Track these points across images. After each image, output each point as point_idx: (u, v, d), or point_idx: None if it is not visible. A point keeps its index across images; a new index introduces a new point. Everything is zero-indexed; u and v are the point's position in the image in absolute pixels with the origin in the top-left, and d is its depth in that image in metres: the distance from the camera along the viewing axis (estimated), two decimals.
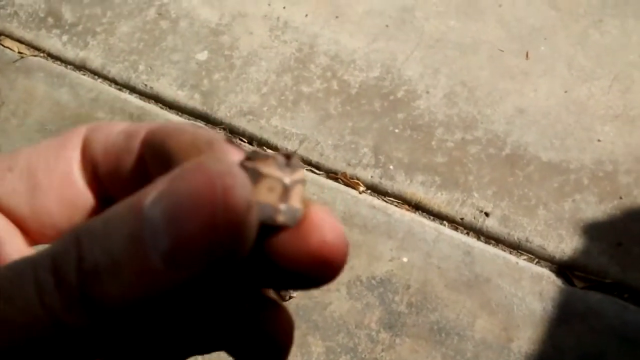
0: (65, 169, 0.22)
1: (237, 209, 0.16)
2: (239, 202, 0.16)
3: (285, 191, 0.18)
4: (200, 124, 1.45)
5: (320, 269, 0.19)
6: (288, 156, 0.19)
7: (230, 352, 0.21)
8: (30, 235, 0.22)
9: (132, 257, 0.16)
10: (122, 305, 0.16)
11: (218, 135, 0.20)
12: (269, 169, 0.18)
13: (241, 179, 0.16)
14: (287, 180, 0.18)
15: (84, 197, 0.22)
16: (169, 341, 0.21)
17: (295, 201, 0.18)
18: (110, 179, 0.22)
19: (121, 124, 0.23)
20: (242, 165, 0.18)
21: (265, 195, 0.18)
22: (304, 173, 0.19)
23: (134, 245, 0.16)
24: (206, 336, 0.21)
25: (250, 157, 0.19)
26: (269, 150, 1.40)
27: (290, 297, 1.21)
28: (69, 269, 0.16)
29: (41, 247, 0.22)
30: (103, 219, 0.17)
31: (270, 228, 0.18)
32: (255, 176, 0.18)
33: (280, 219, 0.18)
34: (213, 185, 0.16)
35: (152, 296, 0.16)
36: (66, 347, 0.17)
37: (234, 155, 0.19)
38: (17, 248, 0.22)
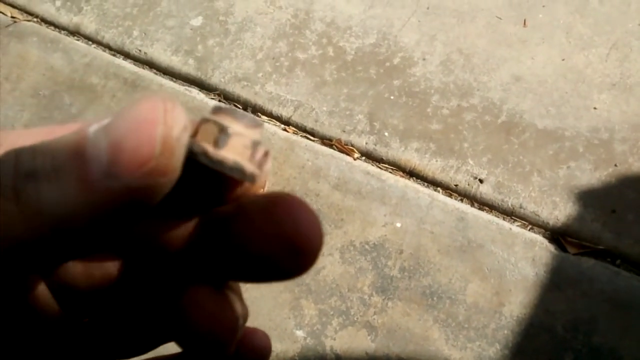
0: None
1: (175, 126, 0.17)
2: (177, 122, 0.17)
3: (222, 136, 0.18)
4: (195, 89, 1.44)
5: (292, 259, 0.18)
6: (243, 115, 0.19)
7: (179, 344, 0.21)
8: None
9: (72, 166, 0.16)
10: (61, 211, 0.16)
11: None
12: (215, 116, 0.19)
13: (179, 107, 0.17)
14: (228, 129, 0.19)
15: None
16: (127, 324, 0.22)
17: (234, 152, 0.18)
18: None
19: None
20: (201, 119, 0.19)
21: (201, 137, 0.19)
22: (256, 131, 0.19)
23: (76, 158, 0.16)
24: (149, 328, 0.21)
25: (213, 107, 0.19)
26: (245, 112, 1.39)
27: None
28: (3, 172, 0.17)
29: None
30: (48, 141, 0.17)
31: (216, 173, 0.18)
32: (200, 121, 0.19)
33: (202, 160, 0.18)
34: (155, 108, 0.17)
35: (92, 207, 0.16)
36: (4, 253, 0.17)
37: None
38: None
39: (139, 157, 0.16)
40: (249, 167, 0.19)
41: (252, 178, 0.19)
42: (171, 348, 0.22)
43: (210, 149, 0.18)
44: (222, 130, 0.18)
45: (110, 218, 0.17)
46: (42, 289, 0.20)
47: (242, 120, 0.19)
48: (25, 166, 0.17)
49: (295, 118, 1.37)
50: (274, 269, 0.18)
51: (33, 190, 0.16)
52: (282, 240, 0.18)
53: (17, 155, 0.17)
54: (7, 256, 0.16)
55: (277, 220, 0.18)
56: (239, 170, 0.18)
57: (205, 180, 0.19)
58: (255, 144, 0.19)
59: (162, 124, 0.17)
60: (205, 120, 0.19)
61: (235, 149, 0.18)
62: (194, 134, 0.19)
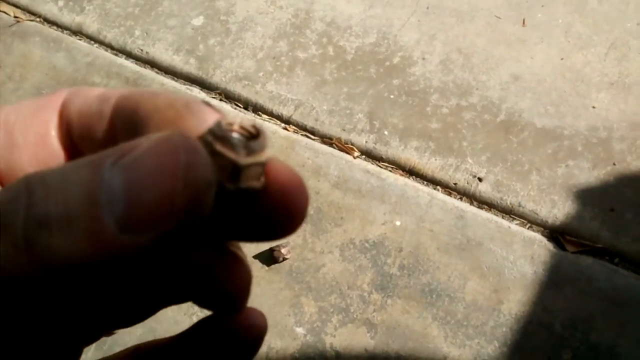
0: (41, 130, 0.22)
1: (196, 186, 0.16)
2: (200, 181, 0.16)
3: (236, 171, 0.18)
4: (196, 89, 1.45)
5: (283, 219, 0.20)
6: (254, 135, 0.19)
7: (194, 302, 0.22)
8: None
9: (85, 215, 0.16)
10: (71, 262, 0.16)
11: (194, 97, 0.20)
12: (224, 148, 0.18)
13: (204, 159, 0.17)
14: (241, 161, 0.18)
15: (58, 159, 0.22)
16: (128, 296, 0.22)
17: (248, 179, 0.19)
18: (84, 143, 0.22)
19: (100, 89, 0.22)
20: (203, 139, 0.18)
21: (216, 171, 0.18)
22: (265, 154, 0.19)
23: (89, 204, 0.16)
24: (165, 288, 0.21)
25: (214, 130, 0.19)
26: (250, 116, 1.40)
27: (284, 259, 1.22)
28: (16, 214, 0.16)
29: None
30: (60, 172, 0.16)
31: (234, 200, 0.19)
32: (211, 151, 0.18)
33: (230, 187, 0.18)
34: (177, 160, 0.16)
35: (103, 259, 0.16)
36: (11, 298, 0.16)
37: (210, 117, 0.19)
38: None
39: (156, 215, 0.16)
40: (260, 186, 0.19)
41: (261, 190, 0.20)
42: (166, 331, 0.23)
43: (228, 185, 0.18)
44: (233, 166, 0.18)
45: (124, 265, 0.16)
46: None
47: (251, 149, 0.19)
48: (38, 212, 0.16)
49: (296, 117, 1.38)
50: (265, 232, 0.20)
51: (44, 242, 0.16)
52: (284, 212, 0.19)
53: (29, 192, 0.16)
54: (12, 290, 0.16)
55: (283, 199, 0.19)
56: (254, 194, 0.19)
57: (219, 204, 0.19)
58: (263, 166, 0.19)
59: (183, 185, 0.16)
60: (213, 153, 0.18)
61: (248, 178, 0.19)
62: None
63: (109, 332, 0.24)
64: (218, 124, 0.18)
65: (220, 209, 0.19)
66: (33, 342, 0.19)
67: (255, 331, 0.22)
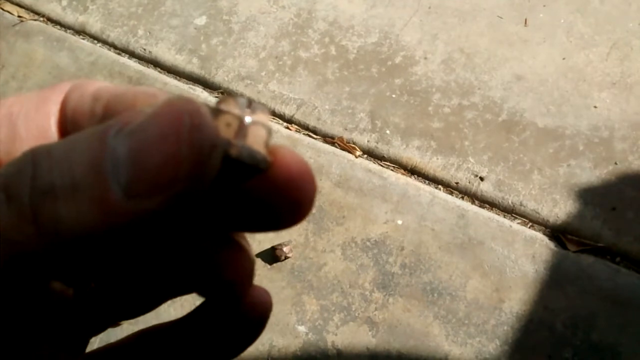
0: (42, 123, 0.22)
1: (201, 147, 0.16)
2: (204, 140, 0.16)
3: (242, 127, 0.18)
4: (199, 88, 1.46)
5: (290, 207, 0.19)
6: (250, 101, 0.19)
7: (198, 292, 0.22)
8: None
9: (91, 184, 0.16)
10: (78, 232, 0.16)
11: (191, 98, 0.20)
12: (228, 106, 0.19)
13: (208, 119, 0.17)
14: (246, 118, 0.19)
15: None
16: (135, 283, 0.22)
17: (254, 142, 0.19)
18: None
19: (99, 84, 0.22)
20: (207, 105, 0.18)
21: (222, 130, 0.18)
22: (267, 117, 0.19)
23: (94, 173, 0.16)
24: (171, 278, 0.21)
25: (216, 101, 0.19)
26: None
27: (286, 257, 1.22)
28: (21, 186, 0.16)
29: None
30: (65, 143, 0.16)
31: (240, 167, 0.19)
32: (215, 113, 0.18)
33: (234, 152, 0.18)
34: (180, 122, 0.16)
35: (110, 227, 0.16)
36: (19, 269, 0.16)
37: None
38: None
39: (162, 179, 0.16)
40: (269, 157, 0.19)
41: (268, 166, 0.19)
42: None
43: (236, 143, 0.18)
44: (239, 121, 0.19)
45: (133, 234, 0.16)
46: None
47: (255, 109, 0.19)
48: (43, 181, 0.16)
49: (298, 116, 1.39)
50: (272, 221, 0.20)
51: (51, 211, 0.16)
52: (290, 200, 0.19)
53: (35, 164, 0.16)
54: (21, 266, 0.16)
55: (272, 174, 0.19)
56: (259, 166, 0.19)
57: (225, 171, 0.19)
58: (269, 132, 0.19)
59: (187, 146, 0.16)
60: (217, 112, 0.19)
61: (255, 140, 0.19)
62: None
63: (115, 323, 0.24)
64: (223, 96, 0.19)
65: (225, 182, 0.19)
66: (40, 331, 0.20)
67: (261, 309, 0.22)
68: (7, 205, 0.16)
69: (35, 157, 0.16)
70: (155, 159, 0.16)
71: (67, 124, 0.22)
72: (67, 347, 0.21)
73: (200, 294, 0.22)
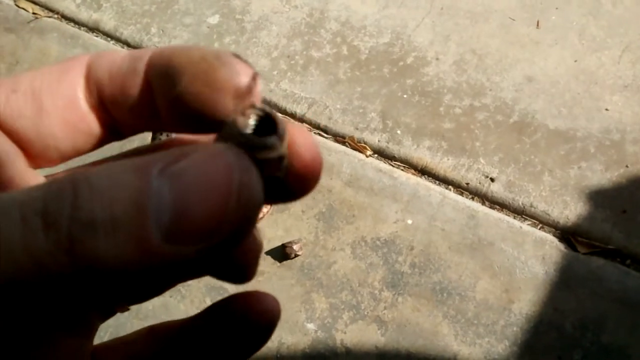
0: (69, 93, 0.21)
1: (248, 206, 0.16)
2: (253, 199, 0.16)
3: (278, 163, 0.19)
4: None
5: (300, 181, 0.20)
6: (262, 116, 0.19)
7: (209, 273, 0.22)
8: (33, 157, 0.22)
9: (131, 222, 0.15)
10: (112, 267, 0.16)
11: (225, 50, 0.20)
12: (265, 154, 0.18)
13: (257, 179, 0.17)
14: (284, 153, 0.19)
15: (88, 121, 0.22)
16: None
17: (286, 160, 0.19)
18: (116, 103, 0.22)
19: (124, 51, 0.22)
20: (232, 140, 0.18)
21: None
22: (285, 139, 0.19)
23: (136, 211, 0.15)
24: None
25: (236, 130, 0.18)
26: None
27: (296, 255, 1.23)
28: (61, 214, 0.16)
29: (43, 172, 0.22)
30: (107, 174, 0.16)
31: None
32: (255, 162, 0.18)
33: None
34: (230, 178, 0.16)
35: (144, 267, 0.16)
36: (48, 293, 0.16)
37: (240, 68, 0.19)
38: (20, 169, 0.21)
39: (204, 231, 0.16)
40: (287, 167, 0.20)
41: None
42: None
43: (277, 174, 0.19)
44: (280, 157, 0.19)
45: (165, 272, 0.16)
46: None
47: (281, 132, 0.19)
48: (84, 212, 0.15)
49: (309, 115, 1.39)
50: (283, 194, 0.20)
51: (89, 244, 0.15)
52: (302, 175, 0.20)
53: (75, 192, 0.16)
54: (49, 287, 0.16)
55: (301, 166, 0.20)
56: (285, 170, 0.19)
57: None
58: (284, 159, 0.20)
59: (235, 205, 0.16)
60: (253, 156, 0.18)
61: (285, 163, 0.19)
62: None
63: (123, 308, 0.25)
64: (233, 123, 0.18)
65: None
66: (49, 323, 0.20)
67: (268, 316, 0.22)
68: (44, 233, 0.16)
69: (76, 185, 0.16)
70: (200, 210, 0.16)
71: (103, 89, 0.22)
72: (75, 332, 0.21)
73: (210, 274, 0.22)
